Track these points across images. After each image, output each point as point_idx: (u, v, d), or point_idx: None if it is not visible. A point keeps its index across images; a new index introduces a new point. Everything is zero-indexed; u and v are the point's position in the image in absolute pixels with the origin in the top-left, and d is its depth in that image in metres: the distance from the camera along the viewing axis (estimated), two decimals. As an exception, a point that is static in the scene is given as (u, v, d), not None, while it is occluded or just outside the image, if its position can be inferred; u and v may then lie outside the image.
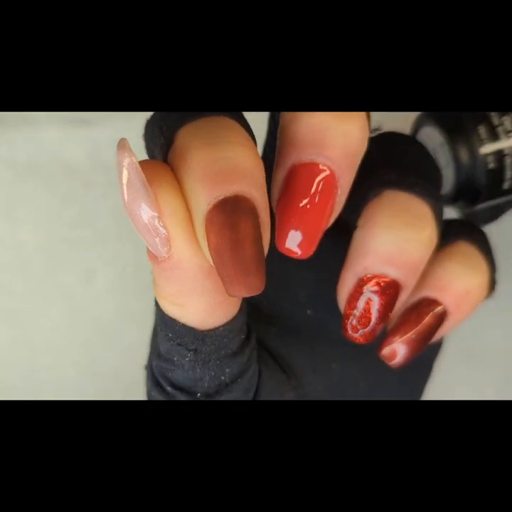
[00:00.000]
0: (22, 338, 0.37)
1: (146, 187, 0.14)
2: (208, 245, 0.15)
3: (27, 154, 0.35)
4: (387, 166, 0.18)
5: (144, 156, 0.17)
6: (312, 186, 0.16)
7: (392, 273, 0.17)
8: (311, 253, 0.17)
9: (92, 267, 0.36)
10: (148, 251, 0.16)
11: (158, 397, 0.18)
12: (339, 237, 0.19)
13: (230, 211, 0.14)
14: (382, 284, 0.18)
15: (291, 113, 0.16)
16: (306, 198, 0.16)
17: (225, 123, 0.15)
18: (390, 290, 0.18)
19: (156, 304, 0.17)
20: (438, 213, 0.18)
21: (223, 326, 0.17)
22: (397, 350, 0.19)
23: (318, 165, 0.16)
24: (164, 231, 0.15)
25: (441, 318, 0.19)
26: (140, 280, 0.36)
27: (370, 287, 0.18)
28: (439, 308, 0.19)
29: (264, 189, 0.15)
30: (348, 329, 0.18)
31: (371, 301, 0.18)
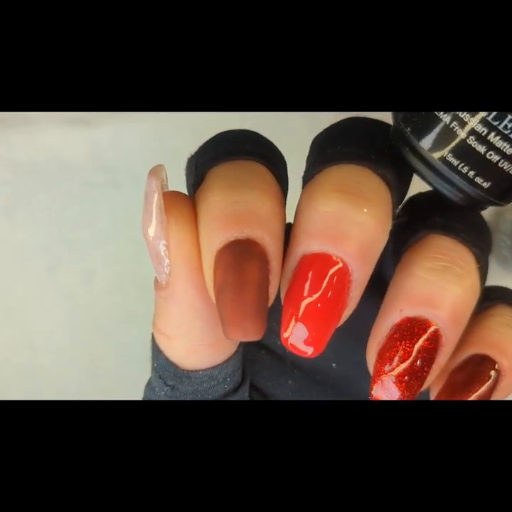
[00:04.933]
0: (22, 338, 0.37)
1: (161, 214, 0.15)
2: (213, 283, 0.15)
3: (27, 154, 0.35)
4: (433, 210, 0.17)
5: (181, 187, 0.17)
6: (324, 279, 0.15)
7: (431, 317, 0.15)
8: (320, 351, 0.15)
9: (92, 267, 0.36)
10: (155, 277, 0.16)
11: None
12: (367, 290, 0.17)
13: (239, 253, 0.14)
14: (419, 330, 0.15)
15: (307, 197, 0.15)
16: (316, 292, 0.15)
17: (251, 167, 0.16)
18: (429, 338, 0.15)
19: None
20: (482, 266, 0.16)
21: (204, 370, 0.17)
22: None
23: (331, 256, 0.15)
24: (168, 260, 0.15)
25: (496, 380, 0.16)
26: (140, 280, 0.36)
27: (406, 334, 0.15)
28: (493, 368, 0.16)
29: (279, 238, 0.15)
30: (378, 387, 0.16)
31: (407, 351, 0.15)
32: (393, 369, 0.16)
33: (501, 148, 0.16)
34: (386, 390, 0.16)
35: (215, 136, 0.17)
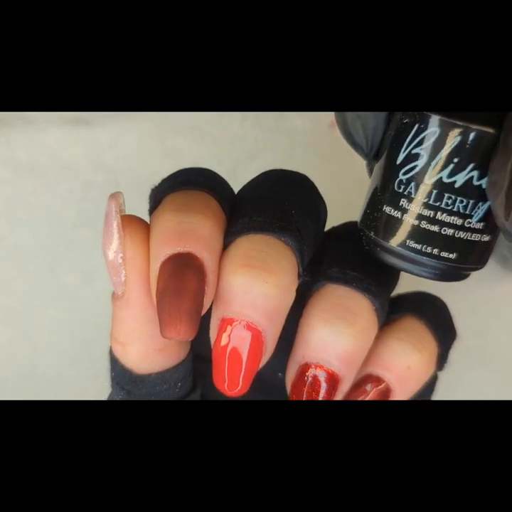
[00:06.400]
0: (22, 338, 0.37)
1: (119, 232, 0.17)
2: (156, 289, 0.17)
3: (27, 154, 0.35)
4: (332, 259, 0.20)
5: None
6: (243, 344, 0.18)
7: (327, 363, 0.19)
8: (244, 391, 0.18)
9: (92, 267, 0.36)
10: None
11: None
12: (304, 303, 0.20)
13: (179, 264, 0.17)
14: (318, 374, 0.19)
15: (221, 268, 0.18)
16: (239, 363, 0.18)
17: (199, 196, 0.18)
18: (327, 379, 0.19)
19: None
20: (378, 306, 0.19)
21: (157, 373, 0.19)
22: None
23: (244, 321, 0.17)
24: (124, 271, 0.18)
25: (386, 393, 0.20)
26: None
27: (309, 375, 0.19)
28: (382, 385, 0.20)
29: (217, 255, 0.18)
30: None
31: (311, 389, 0.19)
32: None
33: (451, 222, 0.18)
34: None
35: (175, 171, 0.20)
